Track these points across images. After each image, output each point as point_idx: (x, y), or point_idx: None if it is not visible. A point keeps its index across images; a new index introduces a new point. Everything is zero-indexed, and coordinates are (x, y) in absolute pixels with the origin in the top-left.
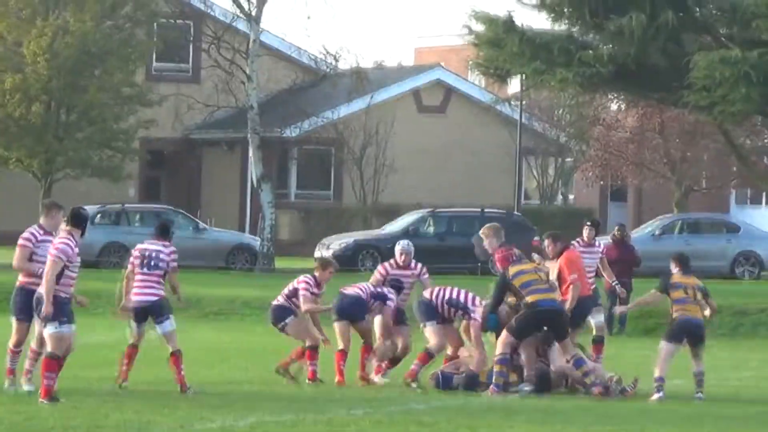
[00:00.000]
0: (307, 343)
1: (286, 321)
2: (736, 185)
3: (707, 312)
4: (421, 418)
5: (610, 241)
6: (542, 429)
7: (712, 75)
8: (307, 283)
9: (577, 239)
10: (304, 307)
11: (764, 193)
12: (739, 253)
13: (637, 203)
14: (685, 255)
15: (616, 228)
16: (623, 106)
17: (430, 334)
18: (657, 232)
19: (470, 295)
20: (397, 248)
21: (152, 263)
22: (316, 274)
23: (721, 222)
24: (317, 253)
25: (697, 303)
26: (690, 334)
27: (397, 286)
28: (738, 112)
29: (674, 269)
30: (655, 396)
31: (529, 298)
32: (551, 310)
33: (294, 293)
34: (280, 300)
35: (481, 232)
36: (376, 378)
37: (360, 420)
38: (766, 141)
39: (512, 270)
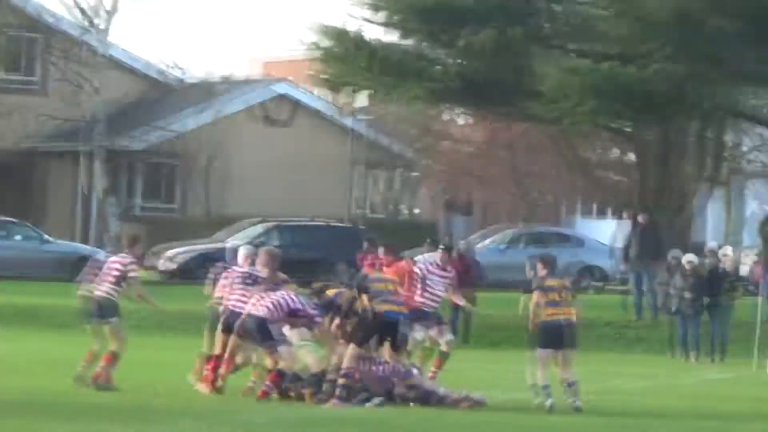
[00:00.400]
0: (113, 348)
1: (111, 320)
2: (581, 199)
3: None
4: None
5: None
6: None
7: (562, 85)
8: (127, 264)
9: (431, 263)
10: (137, 287)
11: (609, 207)
12: (584, 267)
13: (482, 216)
14: (551, 256)
15: (462, 243)
16: (471, 121)
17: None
18: (502, 246)
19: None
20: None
21: None
22: (127, 252)
23: (566, 235)
24: (162, 266)
25: (568, 305)
26: (561, 337)
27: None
28: (586, 124)
29: (542, 271)
30: (548, 402)
31: (377, 307)
32: (393, 321)
33: (121, 278)
34: (107, 293)
35: None
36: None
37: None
38: (612, 156)
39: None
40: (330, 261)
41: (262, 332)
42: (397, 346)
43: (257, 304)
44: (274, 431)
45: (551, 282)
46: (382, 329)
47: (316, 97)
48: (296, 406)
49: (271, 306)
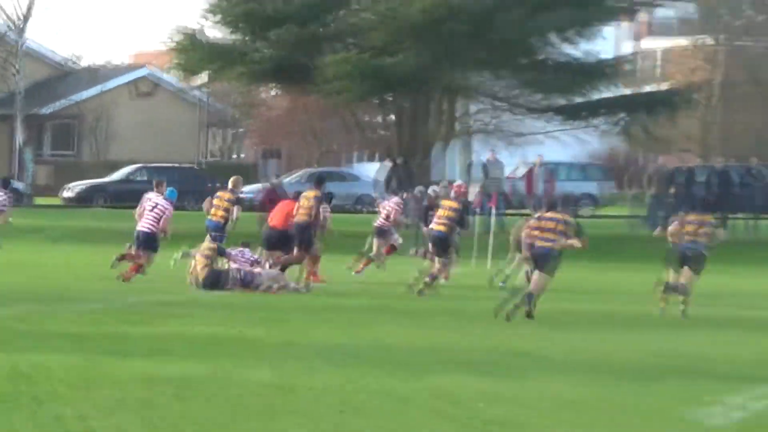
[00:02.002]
0: None
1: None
2: (357, 148)
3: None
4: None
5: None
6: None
7: (340, 70)
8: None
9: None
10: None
11: (377, 154)
12: (359, 196)
13: (288, 161)
14: (560, 196)
15: (274, 177)
16: (280, 93)
17: None
18: (302, 181)
19: None
20: None
21: None
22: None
23: (346, 174)
24: (64, 194)
25: (554, 233)
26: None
27: None
28: (355, 98)
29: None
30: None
31: None
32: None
33: None
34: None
35: None
36: None
37: None
38: (377, 119)
39: None
40: (180, 192)
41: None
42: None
43: None
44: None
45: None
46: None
47: (172, 77)
48: None
49: None
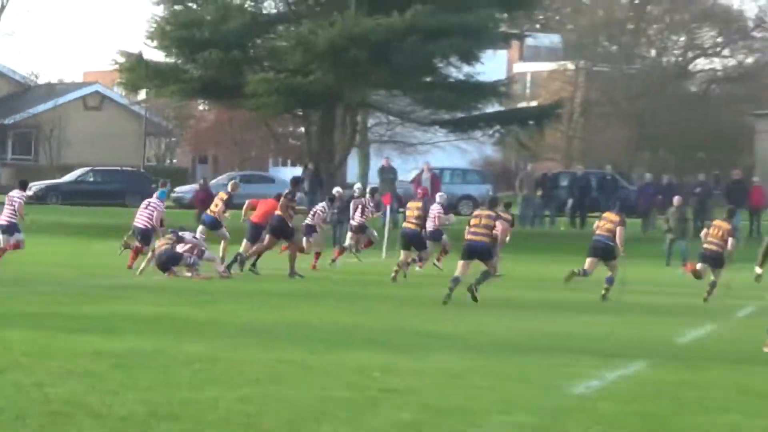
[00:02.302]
0: None
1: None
2: (273, 155)
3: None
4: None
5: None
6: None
7: (260, 88)
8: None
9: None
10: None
11: (289, 160)
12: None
13: (214, 165)
14: (494, 196)
15: (203, 179)
16: (208, 108)
17: None
18: (226, 182)
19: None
20: None
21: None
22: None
23: (266, 177)
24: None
25: (484, 228)
26: (474, 253)
27: None
28: (273, 112)
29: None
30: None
31: None
32: None
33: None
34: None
35: None
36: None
37: None
38: (290, 129)
39: None
40: (124, 191)
41: None
42: None
43: None
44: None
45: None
46: None
47: (117, 93)
48: None
49: None
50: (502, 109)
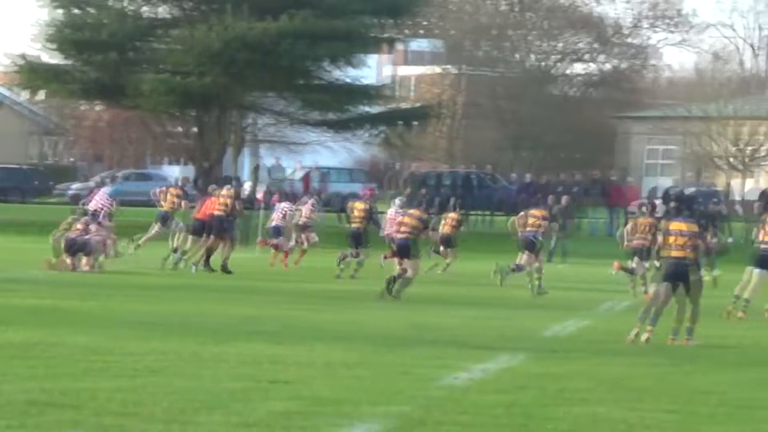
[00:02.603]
0: None
1: None
2: (164, 153)
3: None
4: None
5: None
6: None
7: (153, 89)
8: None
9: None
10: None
11: (181, 159)
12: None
13: (109, 162)
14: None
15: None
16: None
17: None
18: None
19: None
20: None
21: None
22: None
23: (148, 174)
24: None
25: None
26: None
27: None
28: (165, 111)
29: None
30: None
31: None
32: None
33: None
34: None
35: None
36: None
37: None
38: (177, 129)
39: None
40: (15, 187)
41: None
42: None
43: None
44: None
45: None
46: None
47: (6, 92)
48: None
49: None
50: (385, 110)
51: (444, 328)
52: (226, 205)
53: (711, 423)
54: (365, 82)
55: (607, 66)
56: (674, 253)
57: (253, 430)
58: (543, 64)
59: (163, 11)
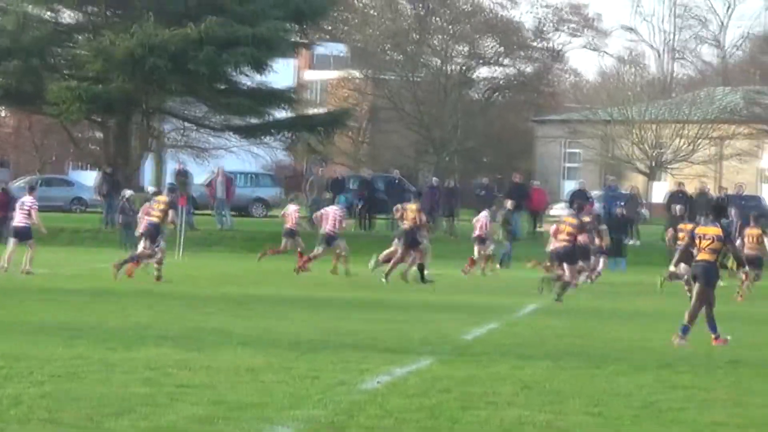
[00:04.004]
0: None
1: None
2: (73, 159)
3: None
4: None
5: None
6: None
7: (61, 95)
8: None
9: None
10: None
11: (89, 164)
12: (74, 197)
13: (16, 168)
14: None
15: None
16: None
17: None
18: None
19: None
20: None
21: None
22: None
23: (64, 180)
24: None
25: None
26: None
27: None
28: (74, 118)
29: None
30: None
31: None
32: None
33: None
34: None
35: None
36: None
37: None
38: (90, 134)
39: None
40: None
41: None
42: None
43: None
44: None
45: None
46: None
47: None
48: None
49: None
50: (292, 115)
51: (361, 332)
52: (161, 212)
53: (634, 425)
54: (279, 86)
55: (513, 70)
56: None
57: None
58: (450, 68)
59: (68, 16)
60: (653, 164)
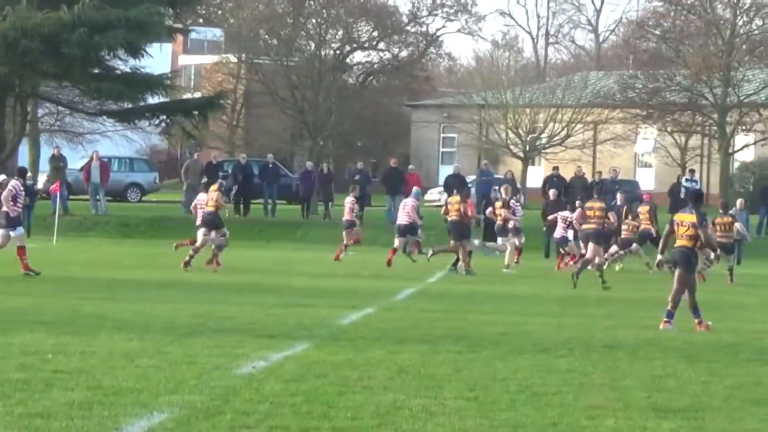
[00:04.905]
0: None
1: None
2: None
3: None
4: None
5: None
6: None
7: None
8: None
9: None
10: None
11: None
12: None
13: None
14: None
15: None
16: None
17: None
18: None
19: None
20: None
21: None
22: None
23: None
24: None
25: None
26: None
27: None
28: None
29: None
30: None
31: None
32: None
33: None
34: None
35: None
36: None
37: None
38: None
39: None
40: None
41: None
42: None
43: None
44: None
45: None
46: None
47: None
48: None
49: None
50: (167, 99)
51: (236, 317)
52: (215, 201)
53: (510, 409)
54: (154, 71)
55: (388, 55)
56: None
57: (37, 421)
58: (325, 52)
59: None
60: (528, 149)
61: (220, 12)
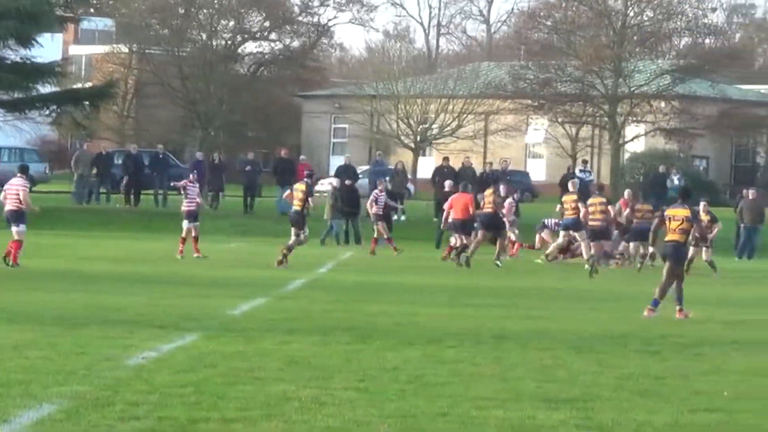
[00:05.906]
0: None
1: None
2: None
3: None
4: None
5: None
6: None
7: None
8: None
9: None
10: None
11: None
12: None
13: None
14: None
15: None
16: None
17: None
18: None
19: None
20: None
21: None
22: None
23: None
24: None
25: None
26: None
27: None
28: None
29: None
30: None
31: None
32: None
33: None
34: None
35: None
36: None
37: None
38: None
39: None
40: None
41: None
42: None
43: None
44: None
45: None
46: None
47: None
48: None
49: None
50: (57, 89)
51: (127, 308)
52: (301, 200)
53: (399, 399)
54: (44, 61)
55: (279, 45)
56: None
57: None
58: (216, 43)
59: None
60: (419, 139)
61: (111, 2)
